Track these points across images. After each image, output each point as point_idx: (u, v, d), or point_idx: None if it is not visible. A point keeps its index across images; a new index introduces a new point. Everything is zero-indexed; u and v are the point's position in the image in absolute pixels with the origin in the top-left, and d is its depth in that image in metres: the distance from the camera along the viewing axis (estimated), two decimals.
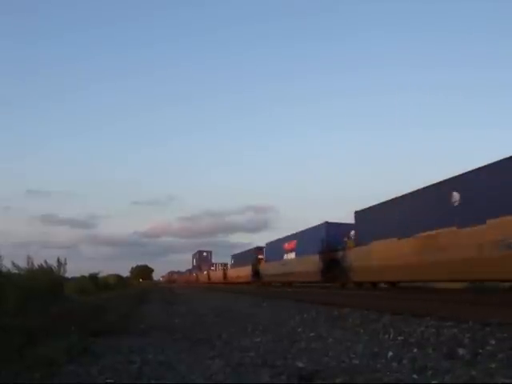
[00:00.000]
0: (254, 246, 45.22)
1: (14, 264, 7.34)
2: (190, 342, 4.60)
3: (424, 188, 16.10)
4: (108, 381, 2.92)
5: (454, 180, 14.41)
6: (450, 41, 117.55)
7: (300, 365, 3.36)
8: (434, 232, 14.66)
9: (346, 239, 22.52)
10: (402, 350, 3.84)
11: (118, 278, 33.40)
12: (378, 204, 19.22)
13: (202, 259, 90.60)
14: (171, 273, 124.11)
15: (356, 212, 21.31)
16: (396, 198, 17.92)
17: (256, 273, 37.99)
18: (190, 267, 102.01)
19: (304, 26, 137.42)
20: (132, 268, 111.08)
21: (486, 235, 12.20)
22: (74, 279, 15.33)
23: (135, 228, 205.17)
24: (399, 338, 4.45)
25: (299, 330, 5.41)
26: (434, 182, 15.84)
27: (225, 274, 53.13)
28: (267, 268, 34.92)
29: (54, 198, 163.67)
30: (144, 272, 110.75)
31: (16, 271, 7.34)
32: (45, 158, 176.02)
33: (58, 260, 8.35)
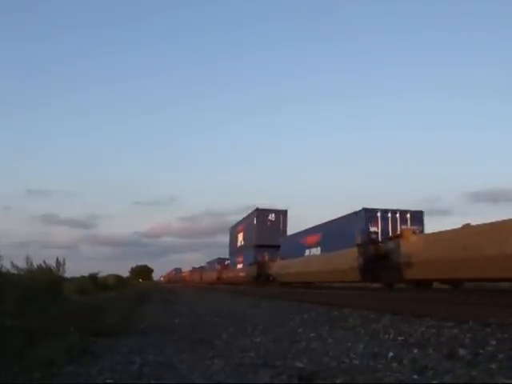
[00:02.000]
0: None
1: (13, 264, 7.33)
2: (189, 343, 4.60)
3: None
4: (108, 381, 2.92)
5: None
6: (450, 41, 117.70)
7: (300, 365, 3.36)
8: None
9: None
10: (402, 350, 3.84)
11: (118, 278, 33.36)
12: None
13: (266, 232, 34.81)
14: (175, 271, 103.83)
15: None
16: None
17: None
18: (205, 263, 62.97)
19: (304, 27, 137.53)
20: (132, 268, 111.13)
21: None
22: (73, 279, 15.33)
23: (135, 228, 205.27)
24: (399, 338, 4.45)
25: (299, 330, 5.41)
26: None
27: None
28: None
29: (54, 197, 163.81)
30: (144, 272, 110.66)
31: (15, 271, 7.33)
32: (45, 157, 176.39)
33: (57, 260, 8.33)
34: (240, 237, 41.53)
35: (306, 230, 27.14)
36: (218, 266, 52.49)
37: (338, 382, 2.84)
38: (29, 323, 4.19)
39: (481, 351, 3.53)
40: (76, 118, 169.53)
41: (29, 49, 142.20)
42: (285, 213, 35.60)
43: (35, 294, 6.08)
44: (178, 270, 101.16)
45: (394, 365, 3.29)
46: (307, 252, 26.47)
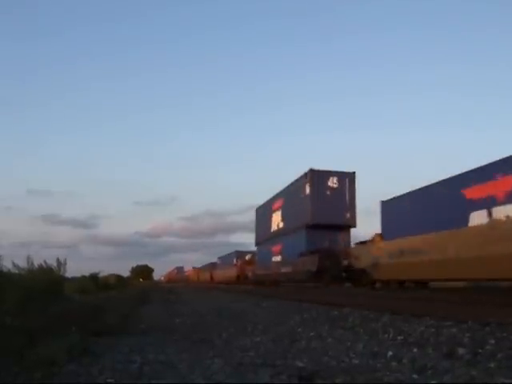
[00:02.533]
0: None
1: (14, 264, 7.34)
2: (190, 342, 4.60)
3: None
4: (108, 380, 2.93)
5: None
6: (450, 39, 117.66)
7: (300, 364, 3.36)
8: None
9: None
10: (401, 349, 3.85)
11: (119, 277, 33.39)
12: None
13: (326, 204, 22.25)
14: (177, 269, 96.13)
15: None
16: None
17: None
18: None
19: (304, 25, 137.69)
20: (132, 268, 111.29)
21: None
22: (74, 279, 15.34)
23: (136, 228, 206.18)
24: (399, 337, 4.45)
25: (299, 329, 5.41)
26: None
27: None
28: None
29: (54, 198, 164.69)
30: (144, 272, 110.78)
31: (16, 271, 7.34)
32: (45, 157, 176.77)
33: (58, 260, 8.34)
34: (276, 218, 28.48)
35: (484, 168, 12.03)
36: (237, 262, 40.60)
37: (337, 381, 2.85)
38: (29, 323, 4.20)
39: (480, 351, 3.54)
40: (76, 118, 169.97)
41: (29, 47, 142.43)
42: (352, 177, 22.75)
43: (36, 293, 6.08)
44: (180, 269, 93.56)
45: (394, 364, 3.30)
46: (475, 216, 11.91)
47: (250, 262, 37.88)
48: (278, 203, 28.61)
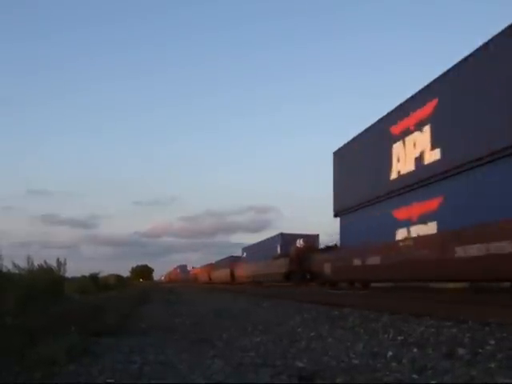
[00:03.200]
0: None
1: (14, 264, 7.35)
2: (190, 342, 4.61)
3: None
4: (108, 381, 2.93)
5: None
6: (449, 39, 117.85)
7: (300, 364, 3.37)
8: None
9: None
10: (401, 349, 3.85)
11: (119, 277, 33.45)
12: None
13: None
14: (180, 268, 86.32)
15: None
16: None
17: None
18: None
19: (303, 27, 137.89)
20: (132, 268, 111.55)
21: None
22: (74, 279, 15.36)
23: (136, 228, 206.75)
24: (399, 337, 4.46)
25: (299, 329, 5.42)
26: None
27: None
28: None
29: (54, 198, 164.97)
30: (144, 272, 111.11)
31: (16, 271, 7.35)
32: (45, 157, 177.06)
33: (58, 260, 8.36)
34: (413, 147, 12.65)
35: None
36: (281, 250, 27.31)
37: (337, 381, 2.85)
38: (30, 323, 4.21)
39: (480, 351, 3.54)
40: (76, 118, 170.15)
41: (29, 47, 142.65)
42: None
43: (36, 293, 6.09)
44: (183, 268, 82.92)
45: (394, 364, 3.30)
46: None
47: (316, 249, 22.11)
48: (417, 115, 12.70)
